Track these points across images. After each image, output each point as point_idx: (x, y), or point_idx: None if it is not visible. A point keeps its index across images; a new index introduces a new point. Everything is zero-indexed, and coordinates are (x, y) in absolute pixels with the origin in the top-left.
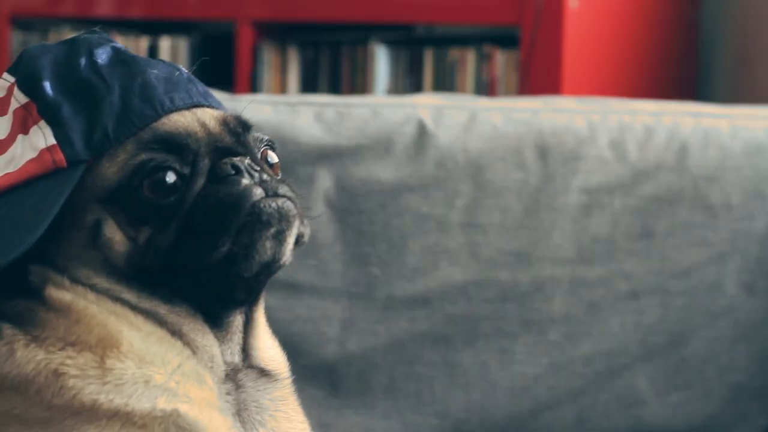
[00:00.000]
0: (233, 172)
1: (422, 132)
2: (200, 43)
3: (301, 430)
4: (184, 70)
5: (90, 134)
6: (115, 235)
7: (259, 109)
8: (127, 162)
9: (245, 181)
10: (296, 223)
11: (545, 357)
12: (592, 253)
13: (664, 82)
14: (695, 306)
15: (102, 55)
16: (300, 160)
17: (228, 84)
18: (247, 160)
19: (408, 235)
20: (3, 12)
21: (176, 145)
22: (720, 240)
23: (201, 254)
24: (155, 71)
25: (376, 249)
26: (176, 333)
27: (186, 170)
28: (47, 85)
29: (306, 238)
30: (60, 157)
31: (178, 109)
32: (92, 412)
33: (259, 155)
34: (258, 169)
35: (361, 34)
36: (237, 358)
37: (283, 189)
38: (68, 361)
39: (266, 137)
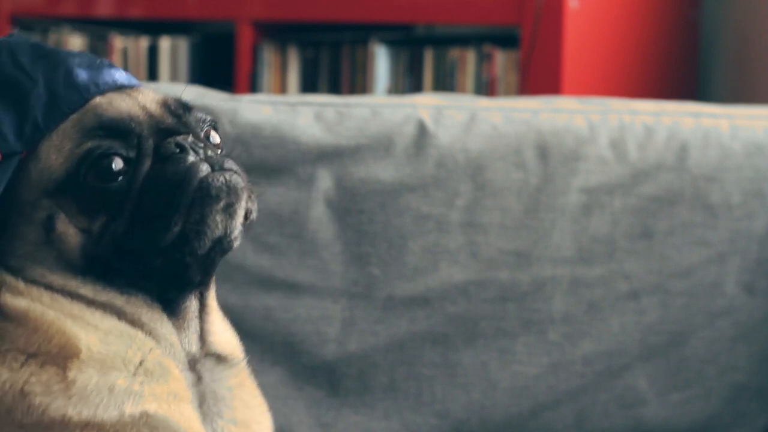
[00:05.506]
0: (178, 150)
1: (422, 132)
2: (200, 43)
3: (260, 413)
4: (105, 59)
5: (21, 127)
6: (68, 228)
7: (259, 109)
8: (73, 151)
9: (191, 158)
10: (245, 196)
11: (545, 357)
12: (592, 253)
13: (664, 82)
14: (695, 306)
15: (23, 52)
16: (300, 160)
17: (228, 84)
18: (191, 138)
19: (408, 235)
20: (3, 12)
21: (120, 130)
22: (720, 240)
23: (155, 236)
24: (77, 59)
25: (376, 249)
26: (136, 323)
27: (132, 154)
28: None
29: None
30: None
31: (102, 92)
32: (63, 426)
33: (202, 134)
34: (202, 145)
35: (361, 34)
36: (195, 348)
37: (229, 163)
38: (32, 379)
39: (209, 117)
